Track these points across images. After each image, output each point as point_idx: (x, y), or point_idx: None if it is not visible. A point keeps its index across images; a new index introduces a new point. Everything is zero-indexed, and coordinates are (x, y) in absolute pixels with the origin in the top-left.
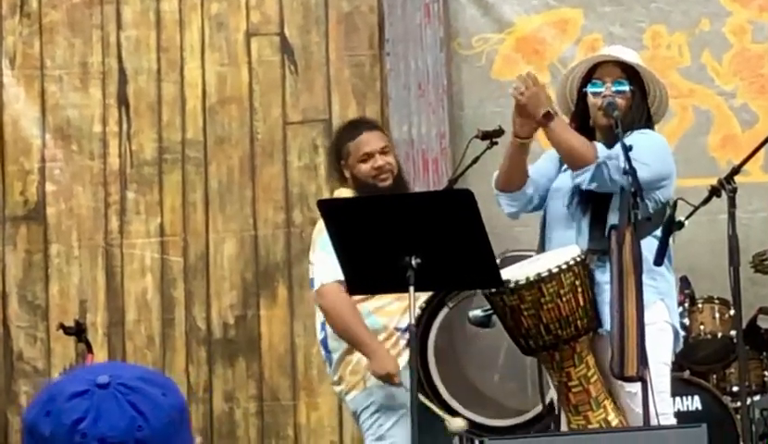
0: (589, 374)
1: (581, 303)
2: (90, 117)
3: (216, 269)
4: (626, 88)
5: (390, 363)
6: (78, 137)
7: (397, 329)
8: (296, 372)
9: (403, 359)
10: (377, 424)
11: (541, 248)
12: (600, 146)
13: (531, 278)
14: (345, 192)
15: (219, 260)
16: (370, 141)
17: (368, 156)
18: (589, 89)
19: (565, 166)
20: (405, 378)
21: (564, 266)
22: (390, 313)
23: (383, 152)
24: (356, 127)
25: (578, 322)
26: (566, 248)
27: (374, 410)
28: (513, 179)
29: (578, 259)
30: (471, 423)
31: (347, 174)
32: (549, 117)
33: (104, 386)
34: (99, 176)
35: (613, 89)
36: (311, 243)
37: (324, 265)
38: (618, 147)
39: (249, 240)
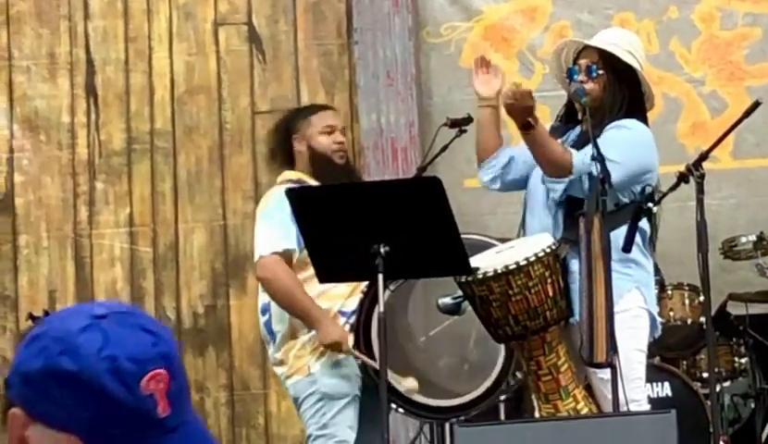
0: (559, 363)
1: (550, 294)
2: (58, 108)
3: (185, 259)
4: (595, 74)
5: (336, 330)
6: (46, 127)
7: (341, 313)
8: (266, 361)
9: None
10: (321, 412)
11: (521, 231)
12: (576, 155)
13: (499, 270)
14: (291, 174)
15: (189, 250)
16: (334, 117)
17: (331, 129)
18: (568, 78)
19: None
20: (340, 376)
21: (533, 258)
22: (334, 296)
23: (342, 131)
24: (318, 106)
25: (547, 313)
26: (539, 236)
27: (317, 398)
28: (486, 145)
29: (549, 250)
30: (411, 402)
31: (300, 147)
32: (529, 125)
33: (103, 316)
34: (68, 166)
35: (586, 74)
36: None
37: (263, 237)
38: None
39: (218, 230)
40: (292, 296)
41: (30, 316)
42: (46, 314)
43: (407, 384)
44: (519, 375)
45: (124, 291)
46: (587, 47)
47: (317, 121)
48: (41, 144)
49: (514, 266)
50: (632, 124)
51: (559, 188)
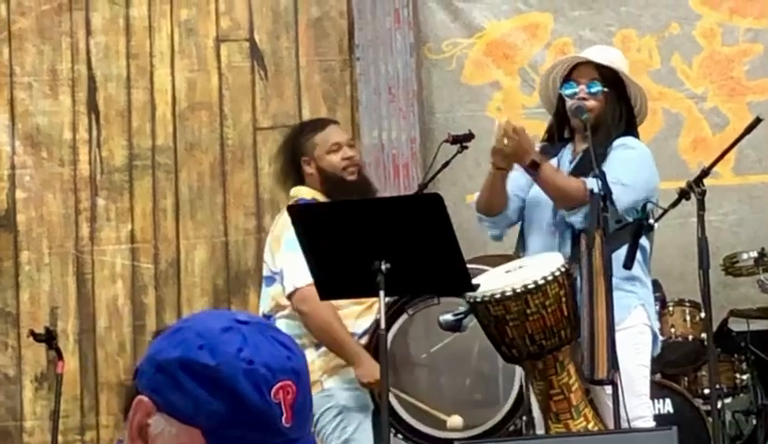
0: (571, 382)
1: (565, 313)
2: (60, 124)
3: (186, 276)
4: (599, 89)
5: (375, 370)
6: (48, 144)
7: (352, 334)
8: None
9: None
10: (341, 427)
11: (519, 253)
12: (589, 182)
13: (518, 290)
14: (304, 191)
15: (190, 266)
16: (338, 132)
17: (338, 147)
18: (564, 91)
19: None
20: (358, 388)
21: (550, 277)
22: (345, 316)
23: (350, 145)
24: (319, 122)
25: (562, 332)
26: (550, 255)
27: (336, 412)
28: (494, 205)
29: (563, 269)
30: (418, 433)
31: (309, 170)
32: (535, 165)
33: (245, 322)
34: (69, 183)
35: (587, 90)
36: (272, 240)
37: (295, 266)
38: (618, 172)
39: (220, 247)
40: (332, 332)
41: (32, 333)
42: (48, 330)
43: (452, 422)
44: (525, 418)
45: (125, 308)
46: (578, 65)
47: (323, 141)
48: (42, 161)
49: (533, 286)
50: (635, 143)
51: (578, 218)
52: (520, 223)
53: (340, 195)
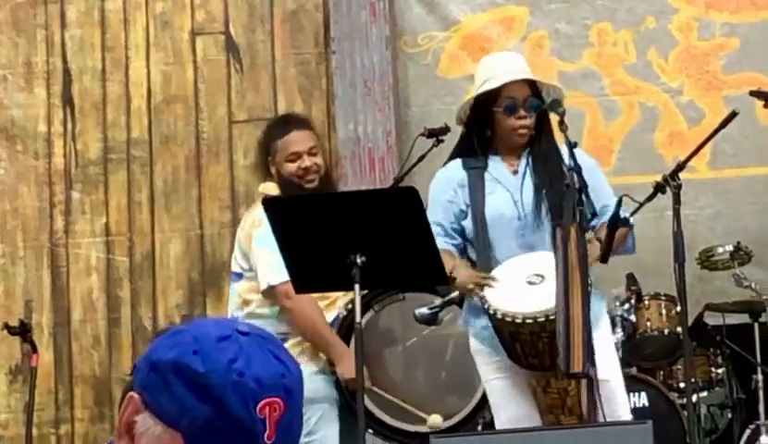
0: (569, 388)
1: None
2: (34, 117)
3: (162, 268)
4: (537, 105)
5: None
6: (22, 137)
7: None
8: None
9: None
10: (305, 418)
11: (487, 256)
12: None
13: (540, 320)
14: (271, 186)
15: (165, 259)
16: (299, 140)
17: (296, 156)
18: (505, 108)
19: (490, 190)
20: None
21: None
22: None
23: (311, 153)
24: (286, 124)
25: None
26: None
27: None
28: None
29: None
30: (389, 428)
31: (273, 170)
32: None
33: (245, 333)
34: (44, 176)
35: (531, 108)
36: (243, 237)
37: (270, 263)
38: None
39: (195, 240)
40: (316, 329)
41: (6, 326)
42: (22, 323)
43: (431, 421)
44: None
45: (100, 301)
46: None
47: (282, 148)
48: (17, 154)
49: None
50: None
51: (630, 245)
52: (480, 242)
53: None
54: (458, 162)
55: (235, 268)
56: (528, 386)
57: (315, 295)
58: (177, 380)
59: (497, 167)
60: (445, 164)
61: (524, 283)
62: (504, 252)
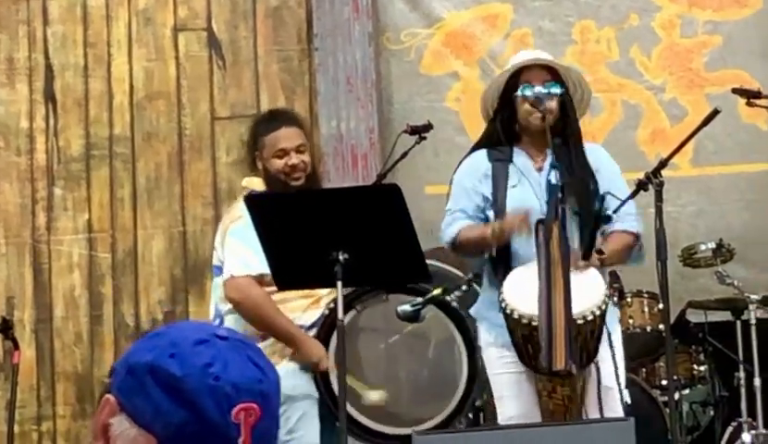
0: (574, 396)
1: (593, 339)
2: (16, 113)
3: (144, 265)
4: (558, 90)
5: (318, 348)
6: (4, 133)
7: (299, 327)
8: None
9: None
10: (285, 417)
11: (506, 257)
12: (628, 224)
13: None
14: (255, 181)
15: (148, 256)
16: (287, 137)
17: (283, 153)
18: (523, 92)
19: (513, 182)
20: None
21: (592, 316)
22: (292, 309)
23: (299, 150)
24: (275, 119)
25: (584, 355)
26: (591, 274)
27: (280, 401)
28: (478, 253)
29: (606, 302)
30: (371, 431)
31: (260, 165)
32: (602, 262)
33: (223, 338)
34: (26, 172)
35: (545, 91)
36: (221, 230)
37: (236, 256)
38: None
39: (177, 236)
40: (268, 317)
41: None
42: (4, 320)
43: (373, 396)
44: (479, 402)
45: (83, 298)
46: (527, 69)
47: (270, 144)
48: None
49: (582, 321)
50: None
51: (638, 257)
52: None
53: None
54: (483, 152)
55: (216, 262)
56: (535, 387)
57: (300, 293)
58: (153, 383)
59: (522, 161)
60: (469, 154)
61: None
62: (524, 246)
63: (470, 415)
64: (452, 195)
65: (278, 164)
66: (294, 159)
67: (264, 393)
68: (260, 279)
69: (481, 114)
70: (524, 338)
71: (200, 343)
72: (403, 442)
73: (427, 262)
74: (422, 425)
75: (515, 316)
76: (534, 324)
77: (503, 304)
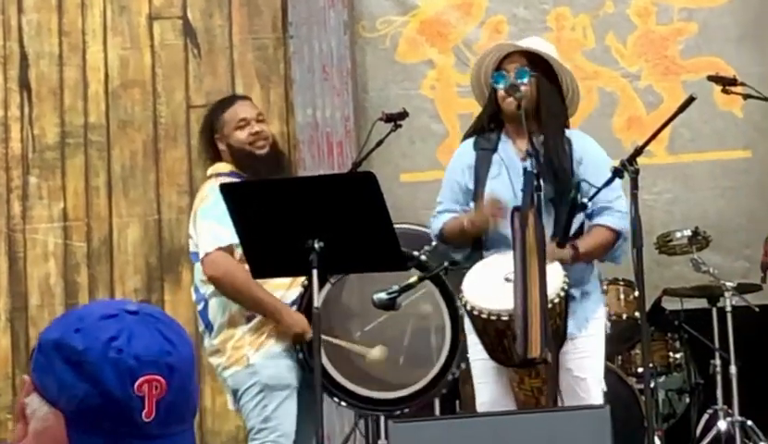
0: (543, 387)
1: (560, 325)
2: None
3: (119, 254)
4: (526, 77)
5: (301, 318)
6: None
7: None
8: (201, 356)
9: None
10: (262, 405)
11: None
12: (610, 221)
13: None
14: (220, 166)
15: (123, 244)
16: (245, 108)
17: (245, 123)
18: (495, 83)
19: (494, 173)
20: (282, 366)
21: (556, 300)
22: (275, 287)
23: (259, 120)
24: (228, 99)
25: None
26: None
27: (258, 389)
28: (464, 243)
29: (566, 288)
30: (356, 396)
31: (222, 146)
32: (575, 257)
33: (133, 312)
34: (1, 161)
35: (516, 79)
36: (192, 214)
37: (206, 234)
38: (611, 193)
39: (153, 225)
40: (247, 290)
41: None
42: None
43: (374, 353)
44: (463, 365)
45: (58, 286)
46: (509, 55)
47: (230, 118)
48: None
49: (557, 300)
50: (595, 143)
51: (618, 254)
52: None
53: (251, 170)
54: (470, 141)
55: (192, 249)
56: (507, 375)
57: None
58: (58, 359)
59: (506, 150)
60: (464, 138)
61: (501, 279)
62: (502, 238)
63: (444, 391)
64: (442, 187)
65: (242, 135)
66: (256, 127)
67: (171, 365)
68: (231, 250)
69: (476, 95)
70: (481, 329)
71: (107, 318)
72: (389, 405)
73: (401, 225)
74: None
75: (469, 308)
76: (483, 317)
77: (468, 306)
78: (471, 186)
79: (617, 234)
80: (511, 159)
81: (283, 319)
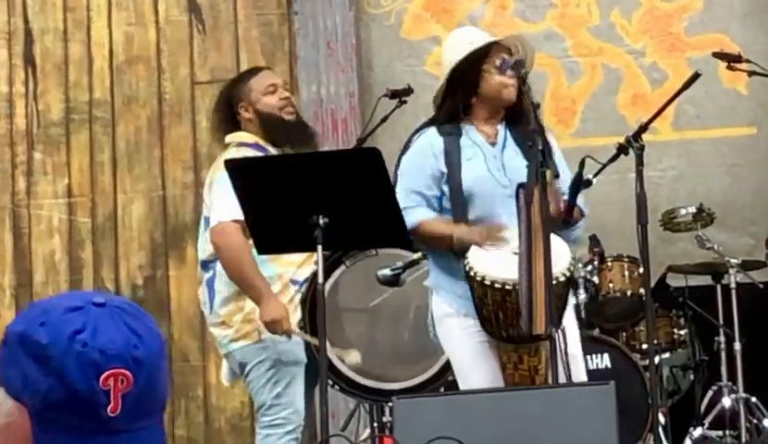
0: (540, 367)
1: (561, 304)
2: None
3: (124, 230)
4: (524, 70)
5: (279, 309)
6: None
7: (293, 282)
8: (205, 332)
9: (296, 316)
10: (273, 380)
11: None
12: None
13: None
14: (246, 136)
15: (128, 221)
16: (273, 75)
17: (274, 88)
18: (501, 66)
19: (468, 156)
20: (292, 342)
21: (563, 279)
22: (287, 263)
23: (285, 87)
24: (253, 69)
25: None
26: (555, 240)
27: (269, 365)
28: (439, 248)
29: (572, 267)
30: (357, 386)
31: (247, 115)
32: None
33: (100, 305)
34: (6, 137)
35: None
36: (208, 180)
37: (223, 202)
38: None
39: (157, 201)
40: (241, 267)
41: None
42: None
43: (351, 358)
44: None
45: (62, 262)
46: (493, 46)
47: (258, 84)
48: None
49: (563, 279)
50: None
51: (579, 233)
52: (459, 203)
53: (280, 135)
54: (433, 129)
55: (205, 213)
56: (498, 358)
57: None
58: (21, 352)
59: (473, 135)
60: (417, 132)
61: (509, 252)
62: (487, 220)
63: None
64: (406, 175)
65: (272, 99)
66: (285, 92)
67: (137, 359)
68: (245, 227)
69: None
70: (495, 304)
71: (72, 311)
72: (387, 396)
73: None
74: (402, 382)
75: (487, 282)
76: (507, 288)
77: (471, 272)
78: (444, 169)
79: (582, 215)
80: (481, 143)
81: (261, 306)
